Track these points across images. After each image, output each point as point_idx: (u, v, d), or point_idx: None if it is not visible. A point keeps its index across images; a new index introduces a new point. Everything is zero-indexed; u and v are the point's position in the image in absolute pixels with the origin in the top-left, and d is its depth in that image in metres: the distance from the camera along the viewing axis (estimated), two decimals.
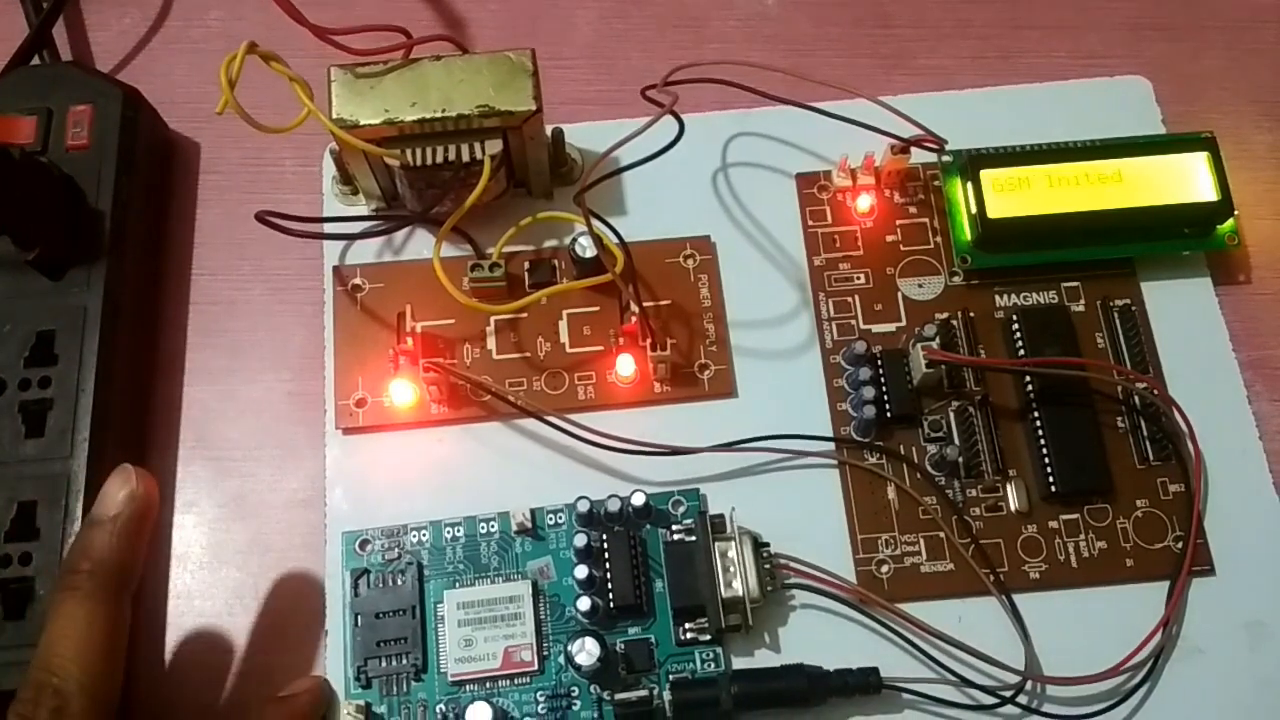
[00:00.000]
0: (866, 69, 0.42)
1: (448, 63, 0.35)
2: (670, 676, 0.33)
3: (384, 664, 0.33)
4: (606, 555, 0.34)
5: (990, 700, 0.33)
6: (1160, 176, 0.38)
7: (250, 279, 0.40)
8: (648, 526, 0.35)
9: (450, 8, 0.44)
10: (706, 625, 0.33)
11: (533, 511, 0.35)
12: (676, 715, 0.32)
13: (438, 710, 0.33)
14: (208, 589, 0.36)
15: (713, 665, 0.33)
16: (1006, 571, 0.35)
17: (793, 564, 0.34)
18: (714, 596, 0.33)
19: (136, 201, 0.38)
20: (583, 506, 0.34)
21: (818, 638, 0.34)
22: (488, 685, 0.33)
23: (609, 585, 0.33)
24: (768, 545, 0.34)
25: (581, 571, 0.33)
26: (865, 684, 0.32)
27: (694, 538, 0.34)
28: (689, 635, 0.33)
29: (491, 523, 0.35)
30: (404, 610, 0.34)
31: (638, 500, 0.34)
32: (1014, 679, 0.33)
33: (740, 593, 0.33)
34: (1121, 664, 0.33)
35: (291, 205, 0.36)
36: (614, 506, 0.34)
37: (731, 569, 0.33)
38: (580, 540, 0.33)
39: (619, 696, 0.32)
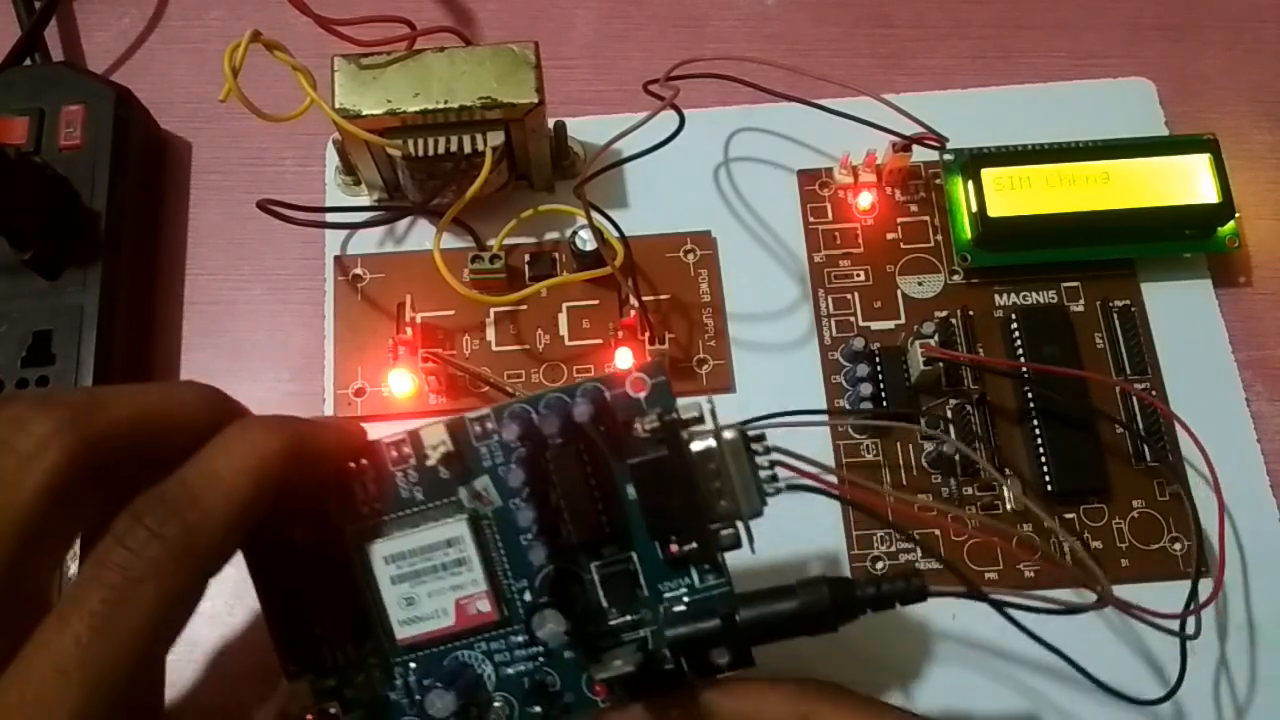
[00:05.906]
0: (866, 69, 0.42)
1: (451, 54, 0.35)
2: (663, 609, 0.26)
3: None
4: (555, 479, 0.26)
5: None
6: (1161, 178, 0.37)
7: (249, 279, 0.40)
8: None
9: (450, 7, 0.44)
10: (695, 549, 0.26)
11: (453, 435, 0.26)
12: (676, 657, 0.26)
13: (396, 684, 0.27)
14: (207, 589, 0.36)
15: (713, 587, 0.26)
16: (1001, 570, 0.35)
17: (788, 459, 0.27)
18: (700, 518, 0.26)
19: (131, 201, 0.38)
20: (512, 428, 0.26)
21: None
22: (445, 646, 0.27)
23: (563, 515, 0.26)
24: (761, 439, 0.26)
25: (517, 478, 0.26)
26: (907, 591, 0.26)
27: (664, 451, 0.26)
28: (676, 555, 0.26)
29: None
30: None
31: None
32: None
33: (732, 508, 0.26)
34: None
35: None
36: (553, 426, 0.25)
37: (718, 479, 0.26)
38: (520, 454, 0.26)
39: (600, 676, 0.26)
